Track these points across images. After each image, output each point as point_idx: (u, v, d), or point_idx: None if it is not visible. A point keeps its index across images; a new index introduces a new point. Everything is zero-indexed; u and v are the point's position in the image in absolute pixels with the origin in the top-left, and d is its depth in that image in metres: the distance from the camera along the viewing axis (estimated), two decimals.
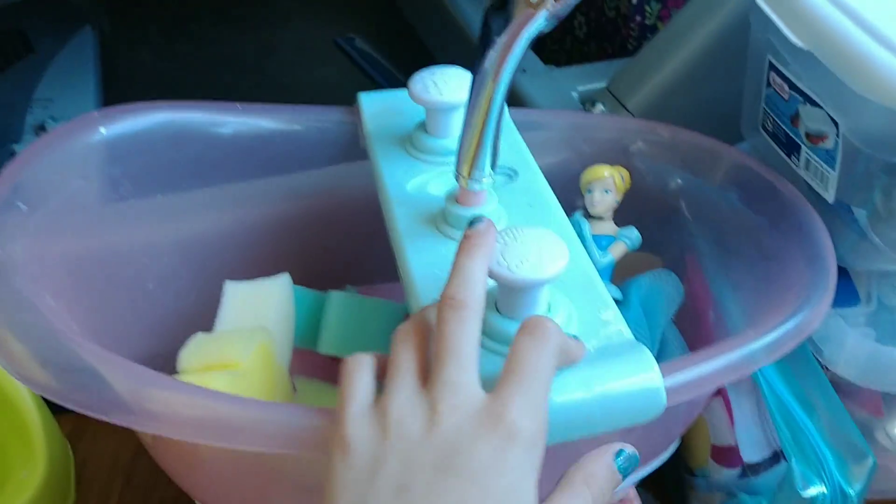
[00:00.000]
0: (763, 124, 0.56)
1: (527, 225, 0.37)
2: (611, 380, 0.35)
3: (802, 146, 0.52)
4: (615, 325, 0.38)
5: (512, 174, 0.50)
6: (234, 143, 0.54)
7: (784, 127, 0.53)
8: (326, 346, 0.52)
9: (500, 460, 0.28)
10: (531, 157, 0.52)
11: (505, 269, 0.35)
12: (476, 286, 0.33)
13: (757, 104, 0.56)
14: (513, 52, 0.37)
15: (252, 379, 0.43)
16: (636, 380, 0.35)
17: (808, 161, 0.51)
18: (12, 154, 0.70)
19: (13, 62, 0.80)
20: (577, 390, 0.34)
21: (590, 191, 0.52)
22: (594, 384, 0.35)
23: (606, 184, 0.52)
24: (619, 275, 0.53)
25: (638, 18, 0.88)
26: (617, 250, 0.52)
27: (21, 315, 0.36)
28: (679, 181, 0.58)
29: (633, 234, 0.52)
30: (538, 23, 0.36)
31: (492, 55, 0.38)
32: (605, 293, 0.40)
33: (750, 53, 0.56)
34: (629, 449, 0.34)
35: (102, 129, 0.48)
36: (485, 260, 0.34)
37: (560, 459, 0.41)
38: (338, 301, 0.52)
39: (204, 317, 0.50)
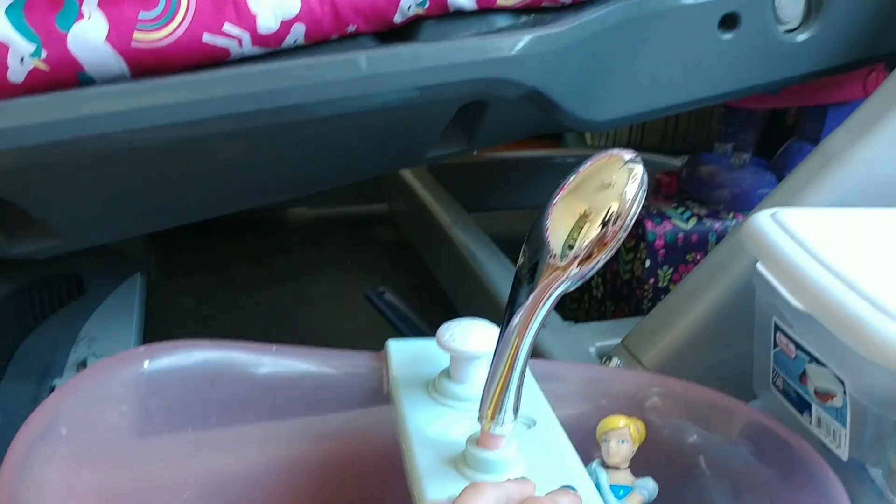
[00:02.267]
0: (774, 382, 0.58)
1: (545, 474, 0.38)
2: None
3: (813, 404, 0.53)
4: None
5: (531, 423, 0.52)
6: (266, 382, 0.56)
7: (793, 385, 0.55)
8: None
9: None
10: (549, 408, 0.54)
11: None
12: None
13: (767, 362, 0.59)
14: (540, 310, 0.41)
15: None
16: None
17: (819, 419, 0.53)
18: (52, 389, 0.73)
19: (66, 302, 0.86)
20: None
21: (606, 440, 0.54)
22: None
23: (622, 434, 0.53)
24: None
25: (651, 281, 0.94)
26: (634, 501, 0.52)
27: None
28: (694, 436, 0.58)
29: (649, 485, 0.52)
30: (564, 285, 0.40)
31: (520, 312, 0.41)
32: None
33: (757, 314, 0.59)
34: None
35: (146, 363, 0.51)
36: None
37: None
38: None
39: None
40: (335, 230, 1.46)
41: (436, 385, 0.54)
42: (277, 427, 0.58)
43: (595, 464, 0.54)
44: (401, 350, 0.59)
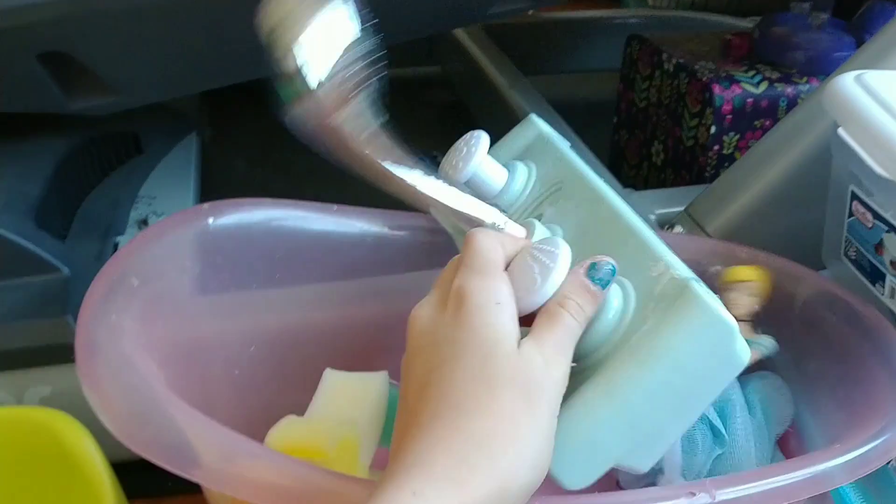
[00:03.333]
0: (846, 252, 0.57)
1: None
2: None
3: (887, 274, 0.52)
4: (668, 272, 0.36)
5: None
6: (328, 241, 0.57)
7: (868, 255, 0.54)
8: None
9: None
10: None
11: None
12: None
13: (839, 232, 0.57)
14: None
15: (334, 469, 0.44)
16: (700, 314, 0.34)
17: (893, 289, 0.51)
18: (116, 246, 0.74)
19: (125, 161, 0.86)
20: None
21: (730, 290, 0.52)
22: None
23: (749, 287, 0.52)
24: None
25: (716, 148, 0.91)
26: (751, 356, 0.51)
27: (127, 376, 0.39)
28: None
29: (768, 343, 0.51)
30: None
31: None
32: (653, 249, 0.38)
33: (832, 182, 0.57)
34: (602, 259, 0.35)
35: (210, 220, 0.51)
36: None
37: None
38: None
39: (286, 407, 0.51)
40: (387, 92, 1.44)
41: None
42: (340, 286, 0.58)
43: None
44: None
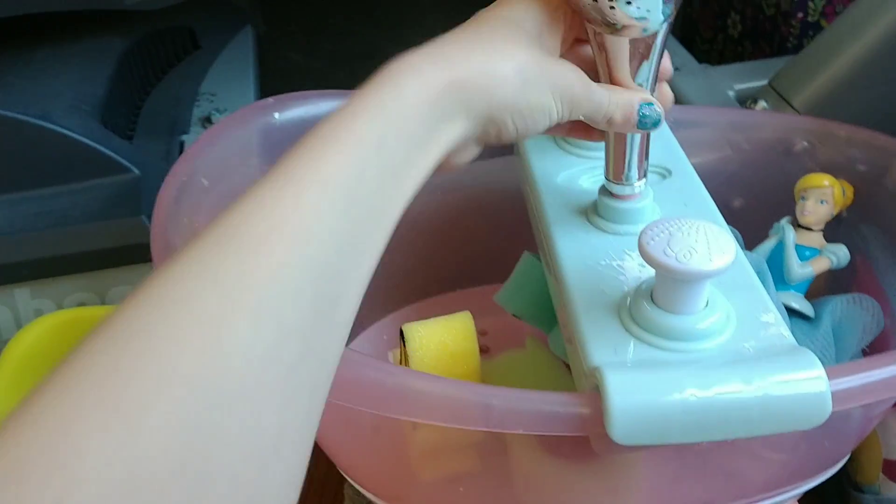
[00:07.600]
0: None
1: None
2: (771, 379, 0.33)
3: None
4: (776, 327, 0.37)
5: (665, 173, 0.49)
6: None
7: None
8: (501, 299, 0.52)
9: None
10: (685, 156, 0.50)
11: (673, 259, 0.34)
12: None
13: None
14: None
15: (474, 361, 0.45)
16: (799, 381, 0.33)
17: None
18: (181, 144, 0.74)
19: (182, 58, 0.85)
20: (735, 386, 0.33)
21: (804, 198, 0.50)
22: (754, 381, 0.33)
23: (824, 194, 0.50)
24: None
25: (800, 15, 0.85)
26: (819, 265, 0.49)
27: None
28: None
29: (840, 252, 0.50)
30: None
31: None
32: (765, 296, 0.39)
33: None
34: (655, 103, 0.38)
35: (276, 115, 0.50)
36: None
37: (712, 461, 0.40)
38: (527, 262, 0.51)
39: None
40: None
41: None
42: None
43: (784, 221, 0.51)
44: None
